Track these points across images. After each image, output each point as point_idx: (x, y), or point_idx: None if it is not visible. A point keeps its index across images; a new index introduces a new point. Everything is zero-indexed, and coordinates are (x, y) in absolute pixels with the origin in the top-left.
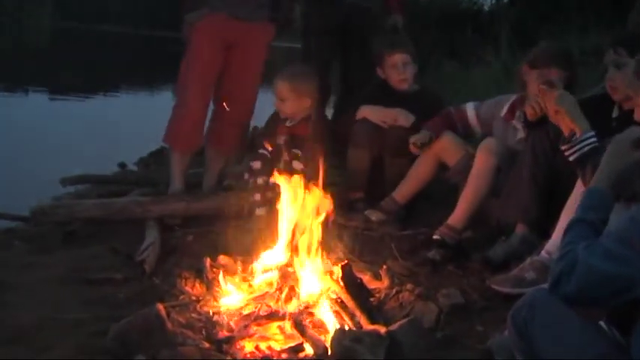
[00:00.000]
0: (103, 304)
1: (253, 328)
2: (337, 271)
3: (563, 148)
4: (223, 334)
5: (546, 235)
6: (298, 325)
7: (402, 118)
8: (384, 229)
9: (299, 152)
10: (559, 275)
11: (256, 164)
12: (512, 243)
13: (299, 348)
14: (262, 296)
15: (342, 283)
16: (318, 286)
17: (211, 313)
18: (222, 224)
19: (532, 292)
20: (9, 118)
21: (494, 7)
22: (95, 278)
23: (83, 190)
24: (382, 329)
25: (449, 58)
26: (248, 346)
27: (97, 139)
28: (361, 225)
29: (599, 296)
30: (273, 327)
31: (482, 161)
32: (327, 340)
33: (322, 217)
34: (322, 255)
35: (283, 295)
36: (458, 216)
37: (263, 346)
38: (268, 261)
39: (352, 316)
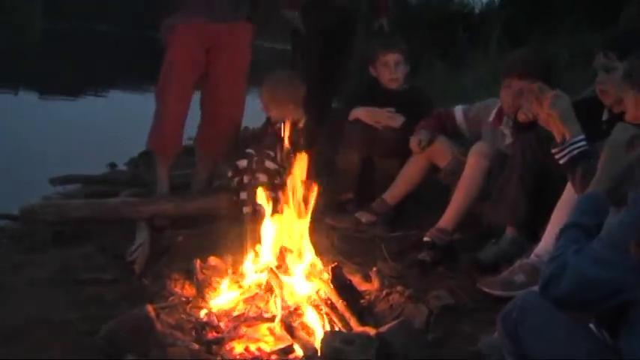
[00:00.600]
0: (93, 304)
1: (243, 330)
2: (327, 272)
3: (553, 151)
4: (213, 335)
5: (536, 237)
6: (288, 327)
7: (393, 119)
8: (374, 231)
9: (271, 152)
10: (549, 278)
11: (242, 163)
12: (502, 245)
13: (289, 349)
14: (252, 297)
15: (332, 285)
16: (308, 287)
17: (201, 315)
18: (212, 225)
19: (522, 294)
20: None
21: (484, 9)
22: (85, 278)
23: (73, 190)
24: (372, 331)
25: (440, 60)
26: (238, 348)
27: (88, 139)
28: (351, 226)
29: (589, 300)
30: (263, 328)
31: (474, 165)
32: (317, 341)
33: (310, 218)
34: (312, 256)
35: (273, 297)
36: (448, 218)
37: (253, 347)
38: (258, 262)
39: (342, 318)
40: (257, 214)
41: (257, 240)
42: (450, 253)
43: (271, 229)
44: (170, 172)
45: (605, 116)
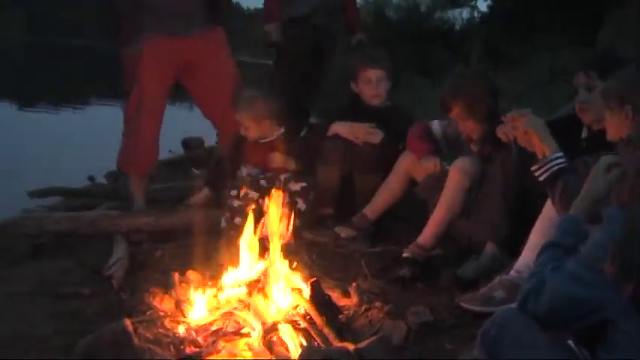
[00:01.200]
0: (71, 318)
1: (221, 345)
2: (306, 287)
3: (533, 168)
4: (191, 350)
5: (516, 253)
6: (267, 342)
7: (373, 134)
8: (353, 246)
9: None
10: (527, 294)
11: (253, 194)
12: (482, 261)
13: None
14: (230, 312)
15: (311, 300)
16: (287, 302)
17: (179, 329)
18: (191, 239)
19: (501, 311)
20: None
21: (465, 26)
22: (63, 293)
23: (54, 203)
24: (351, 347)
25: (420, 76)
26: None
27: (67, 152)
28: (331, 241)
29: (566, 318)
30: (242, 343)
31: (455, 181)
32: (296, 357)
33: (290, 234)
34: (291, 271)
35: (252, 312)
36: (428, 234)
37: None
38: (237, 277)
39: (321, 334)
40: (236, 229)
41: (236, 254)
42: (429, 269)
43: (251, 243)
44: (147, 187)
45: (584, 134)
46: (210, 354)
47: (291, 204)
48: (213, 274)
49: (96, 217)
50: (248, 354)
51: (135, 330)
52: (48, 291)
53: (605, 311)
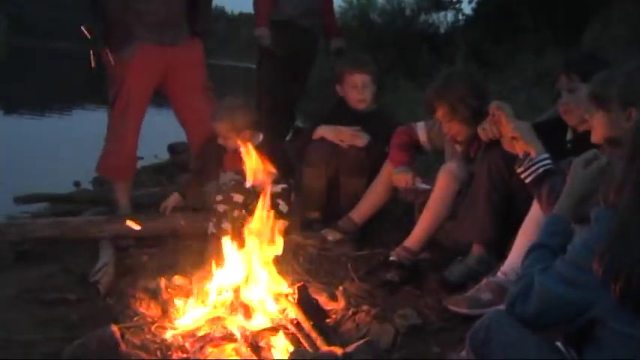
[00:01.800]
0: (57, 324)
1: (208, 350)
2: (293, 292)
3: (518, 170)
4: (178, 355)
5: (502, 255)
6: (254, 347)
7: (358, 138)
8: (340, 249)
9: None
10: (515, 297)
11: (237, 197)
12: (469, 263)
13: None
14: (218, 317)
15: (298, 305)
16: (274, 307)
17: (166, 335)
18: (177, 244)
19: (490, 313)
20: None
21: (450, 29)
22: (48, 299)
23: (39, 209)
24: (339, 351)
25: (405, 79)
26: None
27: (52, 157)
28: (318, 245)
29: (555, 319)
30: (229, 349)
31: (444, 185)
32: None
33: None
34: (278, 276)
35: (239, 317)
36: (415, 238)
37: None
38: (224, 282)
39: (308, 338)
40: (223, 234)
41: (222, 259)
42: (416, 273)
43: (237, 248)
44: (131, 192)
45: (569, 136)
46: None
47: (273, 206)
48: (200, 279)
49: (81, 222)
50: (236, 359)
51: (122, 336)
52: (33, 297)
53: (594, 311)
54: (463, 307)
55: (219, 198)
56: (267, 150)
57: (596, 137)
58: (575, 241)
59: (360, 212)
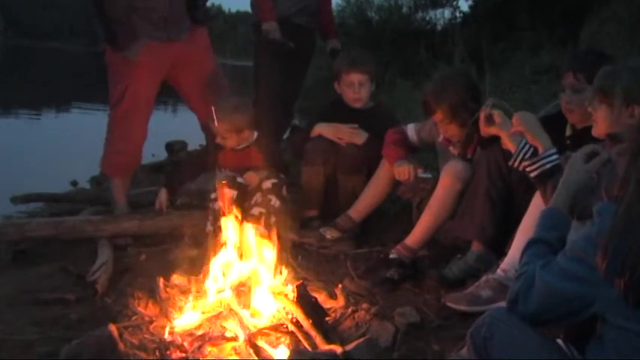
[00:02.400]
0: (55, 324)
1: (207, 349)
2: (292, 290)
3: (525, 164)
4: (177, 355)
5: (502, 252)
6: (253, 346)
7: (356, 135)
8: (339, 247)
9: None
10: (516, 294)
11: (230, 192)
12: (468, 261)
13: None
14: (216, 316)
15: (297, 303)
16: (273, 305)
17: (165, 334)
18: (176, 243)
19: (491, 311)
20: None
21: (446, 26)
22: (46, 298)
23: (36, 209)
24: (338, 349)
25: (402, 77)
26: None
27: (49, 157)
28: (316, 243)
29: (557, 315)
30: (228, 348)
31: (447, 184)
32: None
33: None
34: (277, 274)
35: (237, 315)
36: (416, 236)
37: None
38: (222, 280)
39: (308, 336)
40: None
41: (221, 258)
42: (415, 270)
43: (235, 246)
44: (129, 191)
45: (568, 132)
46: (197, 359)
47: (265, 202)
48: (198, 278)
49: (79, 222)
50: (235, 358)
51: (120, 335)
52: (31, 297)
53: (596, 306)
54: (462, 304)
55: (213, 196)
56: (260, 147)
57: (597, 131)
58: (578, 234)
59: (359, 210)
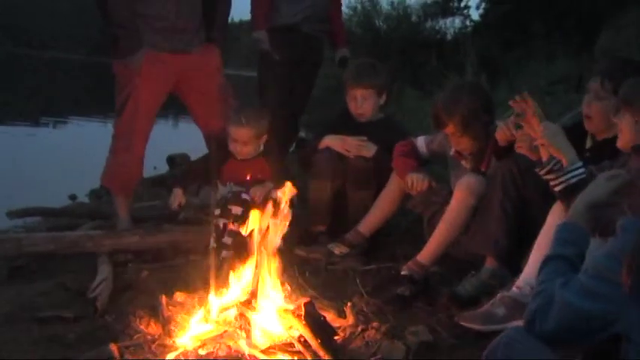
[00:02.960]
0: (53, 343)
1: None
2: (299, 308)
3: (547, 177)
4: None
5: (517, 269)
6: None
7: (365, 148)
8: (347, 263)
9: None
10: (534, 313)
11: (236, 209)
12: (482, 278)
13: None
14: (221, 335)
15: (304, 322)
16: (280, 324)
17: (168, 354)
18: (179, 259)
19: (507, 330)
20: None
21: (457, 35)
22: (44, 316)
23: (33, 223)
24: None
25: (412, 88)
26: None
27: (47, 170)
28: (324, 259)
29: (577, 334)
30: None
31: (461, 200)
32: None
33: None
34: (284, 291)
35: (243, 335)
36: (428, 253)
37: None
38: (227, 298)
39: (316, 356)
40: (225, 248)
41: (225, 275)
42: (427, 287)
43: (240, 263)
44: (131, 205)
45: (588, 144)
46: None
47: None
48: (202, 295)
49: (78, 237)
50: None
51: (121, 355)
52: (28, 315)
53: (619, 325)
54: (477, 323)
55: (217, 212)
56: (267, 158)
57: (622, 143)
58: (599, 252)
59: (368, 225)
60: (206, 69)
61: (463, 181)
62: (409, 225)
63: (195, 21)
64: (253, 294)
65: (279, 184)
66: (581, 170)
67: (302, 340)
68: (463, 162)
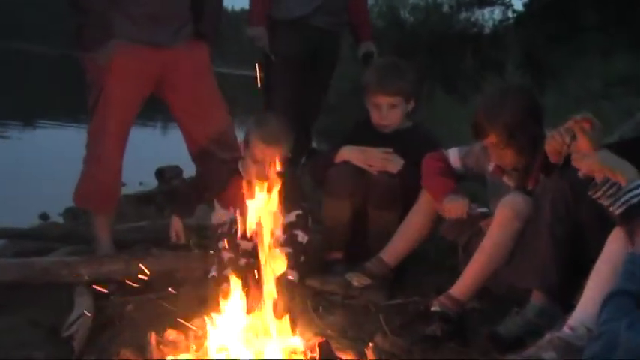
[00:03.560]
0: None
1: None
2: (313, 349)
3: (603, 202)
4: None
5: (569, 305)
6: None
7: (390, 162)
8: (368, 296)
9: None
10: (597, 357)
11: (246, 244)
12: (527, 315)
13: None
14: None
15: None
16: None
17: None
18: (170, 290)
19: None
20: None
21: (497, 28)
22: (11, 358)
23: None
24: None
25: (443, 90)
26: None
27: (14, 184)
28: (341, 291)
29: None
30: None
31: (503, 223)
32: None
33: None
34: (294, 330)
35: None
36: (463, 286)
37: None
38: (228, 337)
39: None
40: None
41: (225, 308)
42: (462, 326)
43: (242, 295)
44: (113, 226)
45: None
46: None
47: (291, 239)
48: (197, 333)
49: (51, 264)
50: None
51: None
52: None
53: None
54: None
55: (221, 244)
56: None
57: None
58: None
59: (393, 252)
60: (192, 67)
61: (506, 201)
62: (441, 253)
63: (183, 10)
64: (259, 332)
65: (291, 204)
66: None
67: None
68: (505, 179)
